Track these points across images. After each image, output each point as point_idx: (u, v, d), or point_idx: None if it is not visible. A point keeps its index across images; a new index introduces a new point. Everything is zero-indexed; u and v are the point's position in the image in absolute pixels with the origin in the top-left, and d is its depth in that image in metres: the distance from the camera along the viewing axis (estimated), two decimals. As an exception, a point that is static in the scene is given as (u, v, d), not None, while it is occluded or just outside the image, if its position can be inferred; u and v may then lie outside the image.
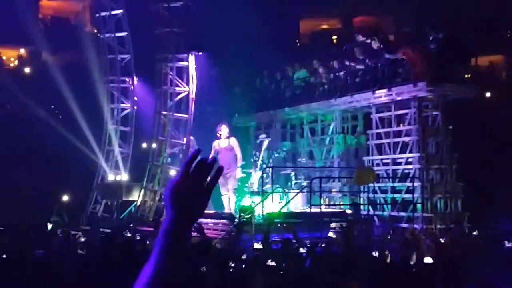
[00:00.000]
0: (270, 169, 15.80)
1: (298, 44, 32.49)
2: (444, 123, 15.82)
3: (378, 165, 16.46)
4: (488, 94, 25.42)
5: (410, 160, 15.80)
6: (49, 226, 10.74)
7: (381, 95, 16.13)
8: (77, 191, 18.09)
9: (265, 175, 16.08)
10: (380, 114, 16.67)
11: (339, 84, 17.56)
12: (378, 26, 33.07)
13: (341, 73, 17.62)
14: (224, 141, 15.49)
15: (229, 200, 15.66)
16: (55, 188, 17.81)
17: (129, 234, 11.32)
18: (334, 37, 33.59)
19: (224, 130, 15.40)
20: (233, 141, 15.50)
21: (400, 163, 16.13)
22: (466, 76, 16.33)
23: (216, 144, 15.50)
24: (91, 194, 17.91)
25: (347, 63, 17.31)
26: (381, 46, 16.39)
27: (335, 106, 17.64)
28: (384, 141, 16.49)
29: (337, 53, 18.49)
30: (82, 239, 10.21)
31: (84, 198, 17.88)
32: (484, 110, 17.03)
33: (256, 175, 16.17)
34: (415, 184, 15.43)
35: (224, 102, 20.19)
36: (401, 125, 16.29)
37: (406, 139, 15.84)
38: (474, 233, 14.16)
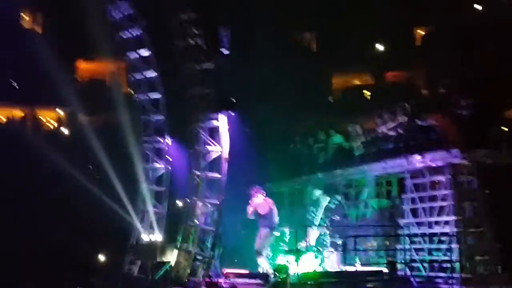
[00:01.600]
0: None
1: (331, 100, 32.64)
2: (480, 187, 15.64)
3: (413, 226, 16.27)
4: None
5: (446, 223, 15.56)
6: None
7: (415, 162, 16.08)
8: (113, 252, 18.16)
9: (328, 231, 16.24)
10: (415, 180, 16.57)
11: (373, 149, 17.58)
12: (411, 81, 33.16)
13: (375, 139, 17.68)
14: (266, 202, 15.50)
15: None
16: (92, 249, 17.92)
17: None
18: (367, 92, 33.70)
19: (258, 193, 15.44)
20: (271, 202, 15.52)
21: (435, 225, 15.88)
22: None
23: (256, 201, 15.51)
24: (126, 254, 17.96)
25: (379, 129, 17.40)
26: (411, 113, 16.55)
27: (369, 172, 17.61)
28: (419, 205, 16.35)
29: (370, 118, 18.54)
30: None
31: (119, 259, 17.92)
32: None
33: (313, 232, 16.15)
34: (453, 246, 15.18)
35: (257, 161, 20.23)
36: (436, 190, 16.09)
37: (442, 203, 15.68)
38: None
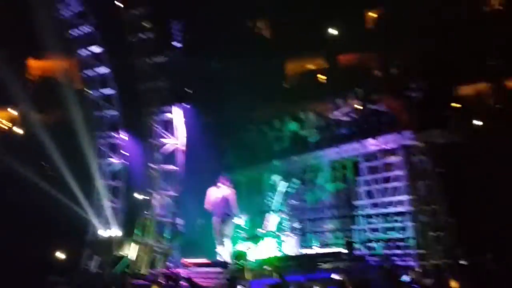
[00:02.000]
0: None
1: (285, 86, 32.67)
2: (432, 166, 15.95)
3: (368, 208, 16.59)
4: (477, 122, 25.58)
5: (400, 202, 15.88)
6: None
7: (368, 145, 16.38)
8: (70, 248, 18.02)
9: (286, 216, 16.43)
10: (369, 163, 16.87)
11: (327, 135, 17.81)
12: (364, 64, 33.47)
13: (328, 124, 17.94)
14: (221, 191, 15.73)
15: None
16: (47, 246, 17.74)
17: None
18: (322, 76, 33.82)
19: (226, 182, 15.77)
20: (232, 192, 15.83)
21: (390, 205, 16.19)
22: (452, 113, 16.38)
23: (212, 192, 15.71)
24: (83, 250, 17.87)
25: (332, 115, 17.67)
26: (364, 98, 16.94)
27: (324, 157, 17.84)
28: (373, 187, 16.66)
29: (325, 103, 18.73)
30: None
31: (76, 255, 17.80)
32: (472, 149, 17.17)
33: (272, 218, 16.33)
34: (407, 224, 15.51)
35: (214, 151, 20.25)
36: (390, 171, 16.38)
37: (396, 184, 16.01)
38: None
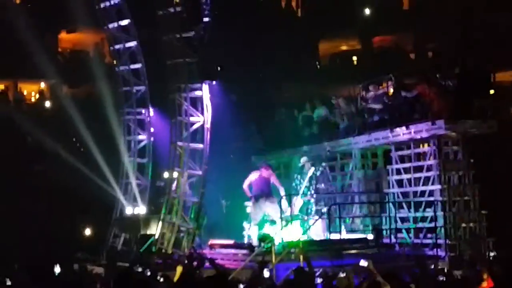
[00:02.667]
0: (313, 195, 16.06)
1: (318, 66, 32.32)
2: (465, 157, 15.55)
3: (398, 197, 16.22)
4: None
5: (431, 193, 15.48)
6: (57, 269, 10.62)
7: (400, 134, 15.93)
8: (97, 225, 18.02)
9: (312, 200, 16.15)
10: (400, 152, 16.48)
11: (358, 122, 17.43)
12: (398, 44, 32.89)
13: (360, 111, 17.52)
14: (262, 174, 15.79)
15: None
16: (75, 223, 17.76)
17: (140, 269, 11.14)
18: (354, 57, 33.43)
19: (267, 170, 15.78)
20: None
21: (421, 195, 15.79)
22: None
23: (253, 175, 15.79)
24: (110, 228, 17.83)
25: (364, 103, 17.27)
26: (397, 84, 16.43)
27: (354, 144, 17.45)
28: (404, 176, 16.25)
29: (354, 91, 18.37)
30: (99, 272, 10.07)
31: (103, 232, 17.79)
32: (506, 141, 16.75)
33: (298, 201, 16.06)
34: (438, 213, 15.11)
35: (241, 132, 20.00)
36: (421, 160, 16.00)
37: (427, 174, 15.60)
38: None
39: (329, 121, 18.58)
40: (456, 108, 15.12)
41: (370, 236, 16.08)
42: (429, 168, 15.57)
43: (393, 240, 15.76)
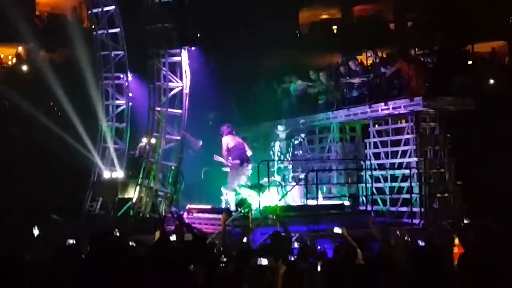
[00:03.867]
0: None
1: (298, 35, 32.21)
2: (442, 132, 15.86)
3: (375, 169, 16.48)
4: (491, 81, 25.21)
5: (407, 166, 15.79)
6: (36, 231, 10.64)
7: (378, 109, 16.19)
8: (75, 189, 17.98)
9: (290, 166, 16.33)
10: (378, 128, 16.72)
11: (337, 97, 17.60)
12: (378, 14, 32.85)
13: (339, 86, 17.68)
14: (236, 138, 16.22)
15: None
16: (52, 187, 17.70)
17: (117, 233, 11.21)
18: (334, 27, 33.34)
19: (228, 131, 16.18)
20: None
21: (398, 167, 16.11)
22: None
23: (229, 139, 16.11)
24: (87, 192, 17.84)
25: (343, 78, 17.43)
26: (377, 60, 16.64)
27: (333, 119, 17.68)
28: (381, 150, 16.52)
29: (334, 66, 18.39)
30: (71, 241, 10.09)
31: (81, 196, 17.79)
32: (482, 117, 17.05)
33: (276, 167, 16.28)
34: (414, 184, 15.43)
35: (220, 99, 19.98)
36: (399, 135, 16.28)
37: (404, 148, 15.89)
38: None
39: (308, 94, 18.68)
40: (434, 85, 15.37)
41: (347, 203, 16.29)
42: (406, 143, 15.87)
43: (369, 208, 16.02)
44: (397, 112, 15.85)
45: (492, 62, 27.43)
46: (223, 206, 16.17)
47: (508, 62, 28.47)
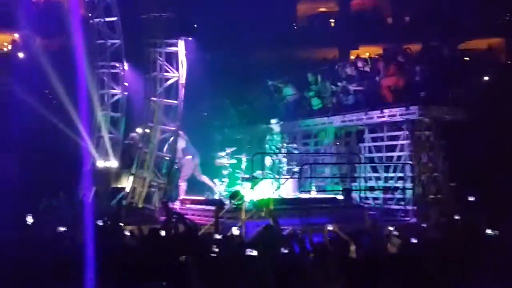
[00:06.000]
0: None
1: (295, 27, 32.19)
2: (437, 139, 16.05)
3: (370, 179, 16.69)
4: (486, 78, 25.22)
5: (402, 170, 15.97)
6: (29, 219, 10.65)
7: (374, 116, 16.40)
8: (68, 178, 17.92)
9: (284, 160, 16.38)
10: (373, 135, 16.88)
11: (332, 101, 17.85)
12: (375, 8, 32.81)
13: (336, 91, 17.92)
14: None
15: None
16: (45, 175, 17.66)
17: (109, 222, 11.23)
18: (332, 20, 33.31)
19: None
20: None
21: (392, 171, 16.28)
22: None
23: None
24: (81, 181, 17.77)
25: (339, 83, 17.66)
26: (371, 69, 17.02)
27: (328, 124, 17.87)
28: (376, 155, 16.70)
29: (330, 70, 18.42)
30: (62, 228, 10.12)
31: (75, 185, 17.73)
32: (475, 125, 17.21)
33: (270, 160, 16.46)
34: (407, 185, 15.64)
35: (216, 89, 19.99)
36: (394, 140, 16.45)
37: (399, 153, 16.02)
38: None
39: (304, 97, 18.81)
40: (430, 94, 15.61)
41: (340, 197, 16.33)
42: (401, 149, 16.04)
43: (362, 203, 16.13)
44: (392, 120, 16.05)
45: (489, 59, 27.45)
46: (217, 197, 16.23)
47: (505, 59, 28.51)
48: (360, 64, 17.58)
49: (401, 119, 15.83)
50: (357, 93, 17.30)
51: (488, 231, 9.76)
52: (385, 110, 16.06)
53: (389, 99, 16.12)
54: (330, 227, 10.28)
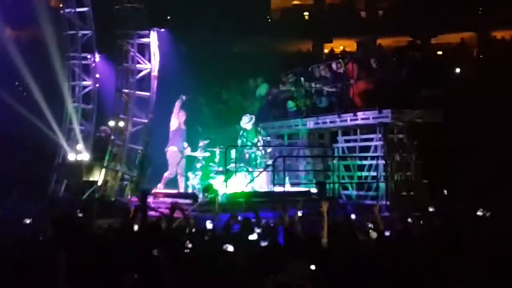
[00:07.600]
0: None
1: (269, 19, 32.13)
2: (409, 142, 16.14)
3: (343, 178, 16.72)
4: (458, 70, 25.44)
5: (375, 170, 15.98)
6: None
7: (347, 119, 16.44)
8: (39, 171, 17.66)
9: (263, 151, 16.38)
10: (346, 137, 17.00)
11: (306, 103, 17.87)
12: (350, 2, 32.89)
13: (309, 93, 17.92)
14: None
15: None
16: (16, 168, 17.38)
17: (80, 215, 11.07)
18: (306, 13, 33.34)
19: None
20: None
21: (364, 170, 16.36)
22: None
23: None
24: (52, 174, 17.52)
25: (313, 84, 17.67)
26: (345, 70, 16.89)
27: (302, 126, 17.91)
28: (349, 155, 16.82)
29: (304, 71, 18.40)
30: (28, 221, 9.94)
31: (45, 179, 17.47)
32: (447, 128, 17.35)
33: (244, 153, 16.44)
34: (380, 183, 15.67)
35: (189, 83, 19.81)
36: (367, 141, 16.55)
37: (372, 155, 16.11)
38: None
39: (278, 98, 18.74)
40: (402, 97, 15.57)
41: (314, 190, 16.32)
42: (374, 150, 16.10)
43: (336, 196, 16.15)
44: (365, 123, 16.12)
45: (461, 53, 27.71)
46: (190, 191, 16.13)
47: (477, 53, 28.78)
48: (334, 66, 17.55)
49: (374, 122, 15.90)
50: (331, 95, 17.32)
51: (479, 213, 9.86)
52: (359, 113, 16.15)
53: (359, 105, 16.15)
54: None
